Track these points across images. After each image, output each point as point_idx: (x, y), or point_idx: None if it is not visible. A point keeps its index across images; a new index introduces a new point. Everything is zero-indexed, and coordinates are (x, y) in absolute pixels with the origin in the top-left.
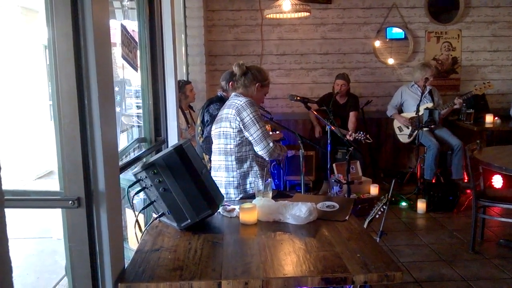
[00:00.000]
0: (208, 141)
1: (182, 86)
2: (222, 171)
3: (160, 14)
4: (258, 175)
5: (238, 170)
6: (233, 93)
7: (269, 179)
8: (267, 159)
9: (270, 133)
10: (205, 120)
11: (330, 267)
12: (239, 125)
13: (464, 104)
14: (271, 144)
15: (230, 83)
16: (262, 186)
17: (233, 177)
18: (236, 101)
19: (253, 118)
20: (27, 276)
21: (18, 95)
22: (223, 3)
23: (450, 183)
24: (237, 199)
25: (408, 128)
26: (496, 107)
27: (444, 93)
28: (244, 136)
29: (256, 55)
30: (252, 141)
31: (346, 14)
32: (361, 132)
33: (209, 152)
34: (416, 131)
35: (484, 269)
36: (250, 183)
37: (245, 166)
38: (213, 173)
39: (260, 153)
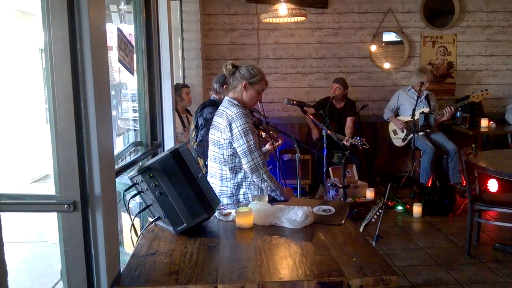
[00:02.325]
0: (202, 145)
1: (178, 89)
2: (216, 179)
3: (156, 17)
4: (252, 186)
5: (232, 181)
6: (226, 98)
7: (265, 182)
8: (249, 175)
9: (268, 146)
10: (199, 124)
11: (326, 271)
12: (229, 137)
13: (459, 108)
14: (255, 160)
15: (225, 86)
16: (257, 191)
17: (227, 187)
18: (227, 111)
19: (241, 131)
20: (22, 280)
21: (14, 98)
22: (219, 7)
23: (446, 187)
24: None
25: (402, 131)
26: (491, 112)
27: (439, 98)
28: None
29: (252, 59)
30: (239, 153)
31: (342, 18)
32: (358, 138)
33: (203, 156)
34: (410, 135)
35: (480, 273)
36: (243, 194)
37: (239, 176)
38: (209, 179)
39: (244, 166)
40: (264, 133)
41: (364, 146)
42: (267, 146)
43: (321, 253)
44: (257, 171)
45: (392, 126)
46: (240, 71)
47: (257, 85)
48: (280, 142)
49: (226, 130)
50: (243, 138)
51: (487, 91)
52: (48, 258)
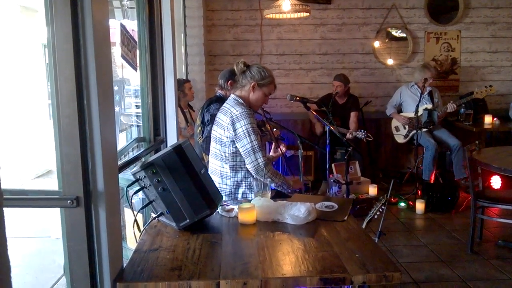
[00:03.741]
0: (207, 141)
1: (180, 84)
2: (216, 176)
3: (159, 13)
4: (252, 187)
5: (232, 179)
6: (232, 96)
7: (268, 178)
8: (254, 175)
9: (272, 153)
10: (206, 120)
11: (329, 267)
12: (232, 136)
13: (463, 105)
14: (259, 160)
15: (230, 82)
16: (258, 188)
17: (226, 184)
18: (232, 109)
19: (245, 131)
20: (25, 276)
21: (17, 94)
22: (222, 2)
23: (449, 183)
24: None
25: (405, 128)
26: (495, 108)
27: (443, 94)
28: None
29: (255, 55)
30: (241, 153)
31: (345, 14)
32: (362, 130)
33: (209, 152)
34: (412, 132)
35: (483, 269)
36: (242, 193)
37: (239, 175)
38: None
39: (248, 166)
40: (267, 132)
41: (368, 139)
42: (271, 153)
43: (323, 249)
44: (261, 170)
45: (394, 123)
46: (251, 71)
47: (265, 87)
48: (284, 149)
49: (229, 129)
50: (247, 138)
51: (491, 87)
52: (51, 254)
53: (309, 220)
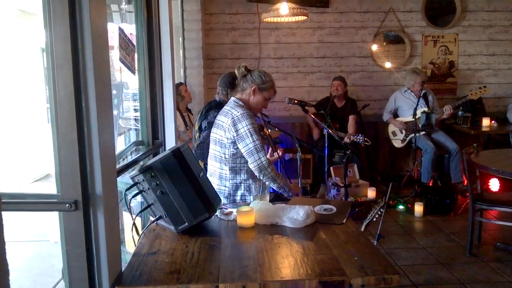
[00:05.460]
0: (202, 147)
1: (176, 88)
2: (215, 178)
3: (158, 17)
4: (251, 189)
5: (231, 181)
6: (232, 98)
7: (272, 181)
8: (256, 174)
9: (269, 157)
10: (203, 127)
11: (328, 270)
12: (233, 137)
13: (460, 108)
14: (262, 159)
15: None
16: (256, 191)
17: (225, 186)
18: (233, 111)
19: (247, 131)
20: (24, 280)
21: (16, 98)
22: (221, 6)
23: (447, 186)
24: None
25: (402, 132)
26: (492, 111)
27: (441, 97)
28: (238, 147)
29: (253, 59)
30: (244, 153)
31: (343, 18)
32: (360, 135)
33: (202, 158)
34: (410, 136)
35: (481, 272)
36: (241, 195)
37: (239, 178)
38: (208, 177)
39: (250, 166)
40: (266, 136)
41: (366, 143)
42: (267, 156)
43: (322, 252)
44: (264, 169)
45: (391, 128)
46: (252, 76)
47: (265, 92)
48: (280, 153)
49: (230, 130)
50: (250, 137)
51: (485, 88)
52: (50, 257)
53: (307, 223)
